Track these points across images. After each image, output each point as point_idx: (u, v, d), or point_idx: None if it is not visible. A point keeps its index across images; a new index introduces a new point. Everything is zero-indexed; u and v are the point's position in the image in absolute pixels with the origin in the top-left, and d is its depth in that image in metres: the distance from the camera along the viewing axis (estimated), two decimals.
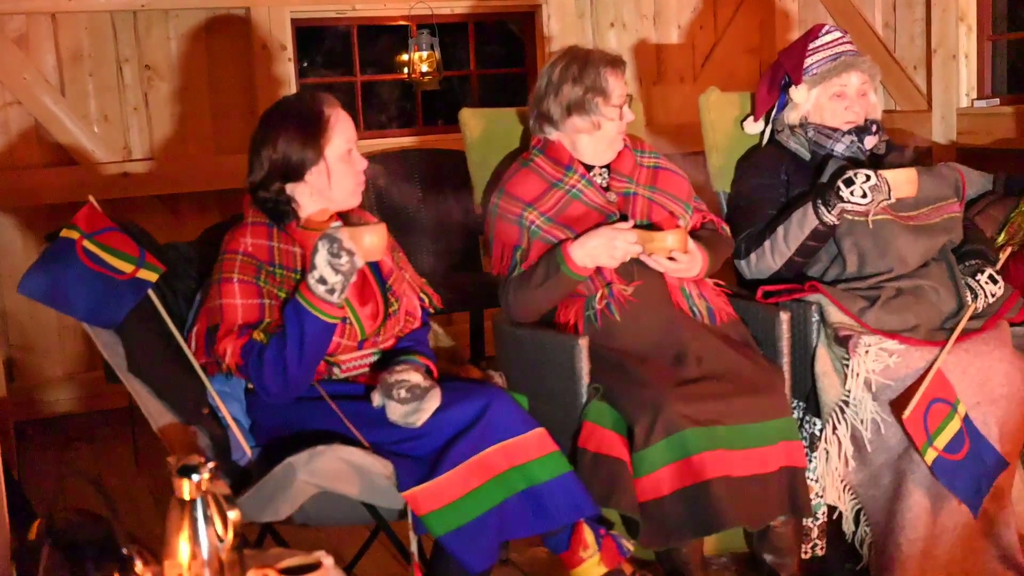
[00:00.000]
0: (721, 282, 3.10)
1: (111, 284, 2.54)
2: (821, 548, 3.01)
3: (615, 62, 3.02)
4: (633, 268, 2.91)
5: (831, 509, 3.01)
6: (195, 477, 1.66)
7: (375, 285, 2.72)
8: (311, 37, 6.32)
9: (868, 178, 2.96)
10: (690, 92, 5.53)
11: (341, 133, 2.62)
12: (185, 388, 2.56)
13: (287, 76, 5.11)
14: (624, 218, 2.94)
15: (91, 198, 2.63)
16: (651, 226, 2.96)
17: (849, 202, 2.97)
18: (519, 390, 2.80)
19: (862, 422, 2.90)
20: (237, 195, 2.79)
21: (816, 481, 2.96)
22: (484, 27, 6.07)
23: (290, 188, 2.62)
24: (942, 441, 2.80)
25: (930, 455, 2.79)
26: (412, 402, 2.44)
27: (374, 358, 2.69)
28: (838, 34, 3.32)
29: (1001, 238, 3.50)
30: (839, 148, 3.22)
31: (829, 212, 3.01)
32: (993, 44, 5.30)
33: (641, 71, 5.79)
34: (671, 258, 2.86)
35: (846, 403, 2.91)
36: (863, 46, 5.13)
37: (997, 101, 5.17)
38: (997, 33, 5.33)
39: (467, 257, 4.94)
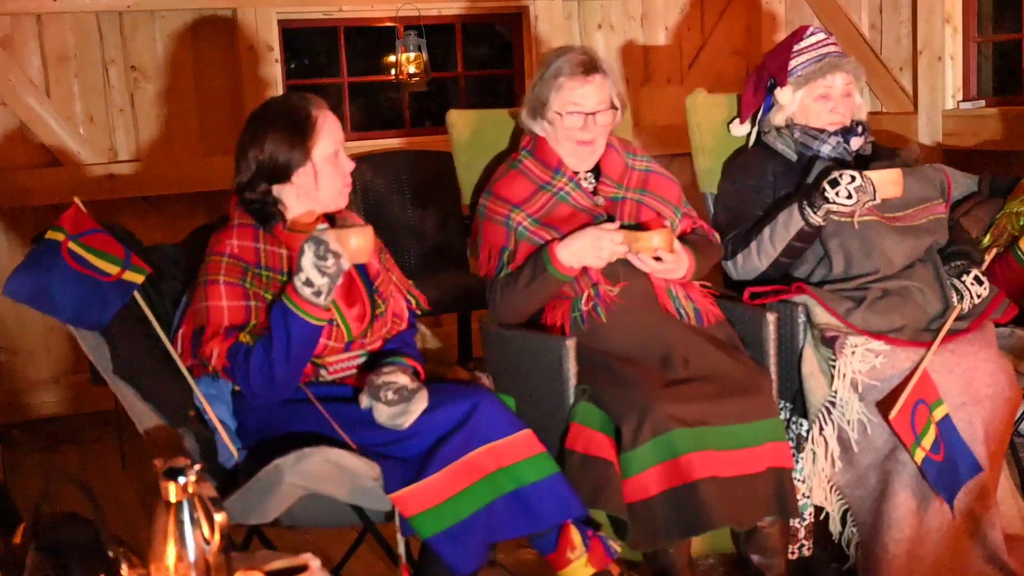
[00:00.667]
0: (708, 283, 3.10)
1: (96, 286, 2.53)
2: (808, 549, 3.02)
3: (587, 68, 2.97)
4: (619, 269, 2.91)
5: (818, 510, 3.02)
6: (181, 479, 1.66)
7: (362, 287, 2.72)
8: (298, 38, 6.31)
9: (853, 179, 2.97)
10: (677, 94, 5.54)
11: (328, 135, 2.62)
12: (171, 390, 2.55)
13: (274, 77, 5.10)
14: (611, 220, 2.94)
15: (76, 200, 2.62)
16: (638, 227, 2.96)
17: (835, 203, 2.98)
18: (506, 391, 2.80)
19: (848, 423, 2.90)
20: (223, 197, 2.78)
21: (803, 482, 2.97)
22: (472, 28, 6.07)
23: (276, 190, 2.61)
24: (928, 441, 2.82)
25: (919, 455, 2.81)
26: (399, 404, 2.44)
27: (361, 360, 2.69)
28: (823, 35, 3.33)
29: (986, 239, 3.52)
30: (825, 149, 3.23)
31: (815, 213, 3.02)
32: (978, 46, 5.32)
33: (628, 73, 5.80)
34: (657, 258, 2.86)
35: (832, 404, 2.92)
36: (849, 48, 5.16)
37: (983, 103, 5.19)
38: (982, 35, 5.35)
39: (455, 259, 4.94)
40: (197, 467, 1.68)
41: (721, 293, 3.15)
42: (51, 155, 4.83)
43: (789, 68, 3.29)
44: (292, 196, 2.63)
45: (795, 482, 2.90)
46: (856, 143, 3.26)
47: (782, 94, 3.29)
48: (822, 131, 3.25)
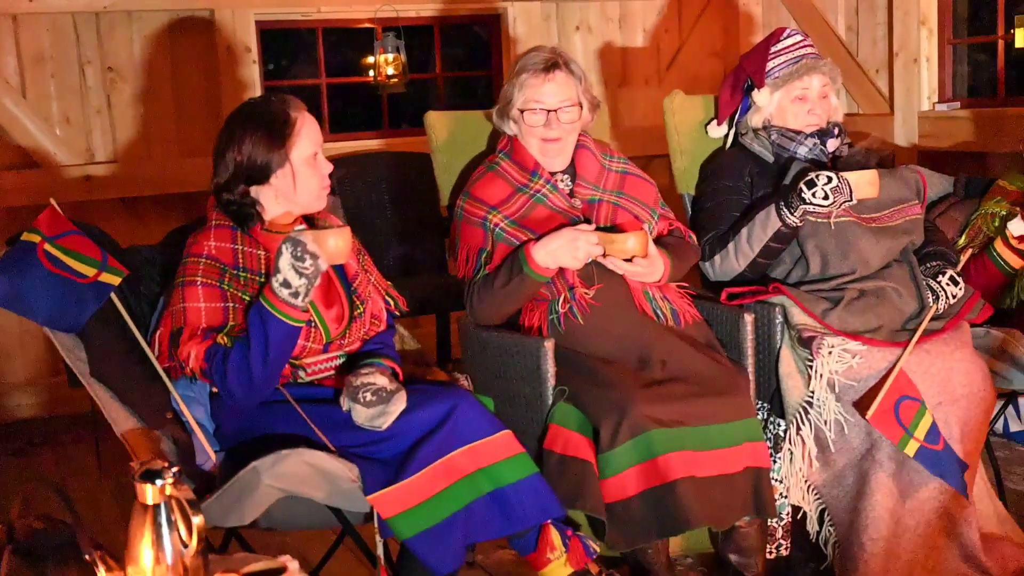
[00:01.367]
0: (685, 284, 3.11)
1: (73, 288, 2.52)
2: (786, 548, 3.03)
3: (548, 65, 2.99)
4: (593, 271, 2.91)
5: (795, 509, 3.03)
6: (158, 482, 1.65)
7: (340, 288, 2.71)
8: (276, 39, 6.29)
9: (830, 180, 2.99)
10: (655, 95, 5.55)
11: (307, 136, 2.61)
12: (148, 392, 2.54)
13: (252, 78, 5.08)
14: (588, 222, 2.95)
15: (52, 201, 2.61)
16: (615, 228, 2.97)
17: (811, 203, 2.99)
18: (485, 392, 2.81)
19: (825, 423, 2.92)
20: (201, 198, 2.77)
21: (780, 481, 2.98)
22: (450, 30, 6.07)
23: (254, 191, 2.61)
24: (922, 432, 2.82)
25: (912, 446, 2.81)
26: (378, 405, 2.44)
27: (339, 361, 2.68)
28: (799, 37, 3.35)
29: (962, 240, 3.54)
30: (802, 151, 3.25)
31: (792, 214, 3.03)
32: (954, 48, 5.35)
33: (606, 74, 5.81)
34: (631, 260, 2.87)
35: (810, 404, 2.94)
36: (826, 50, 5.18)
37: (958, 104, 5.23)
38: (958, 37, 5.38)
39: (433, 260, 4.94)
40: (174, 469, 1.67)
41: (698, 294, 3.16)
42: (27, 156, 4.80)
43: (766, 70, 3.31)
44: (270, 197, 2.62)
45: (772, 482, 2.91)
46: (832, 144, 3.29)
47: (759, 96, 3.31)
48: (799, 133, 3.26)
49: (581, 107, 3.03)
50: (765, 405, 3.06)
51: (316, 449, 2.40)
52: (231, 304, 2.51)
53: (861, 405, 2.86)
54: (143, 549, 1.65)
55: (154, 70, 4.97)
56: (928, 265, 3.17)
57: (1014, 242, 3.31)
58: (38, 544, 1.73)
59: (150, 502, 1.65)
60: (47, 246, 2.51)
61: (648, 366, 2.85)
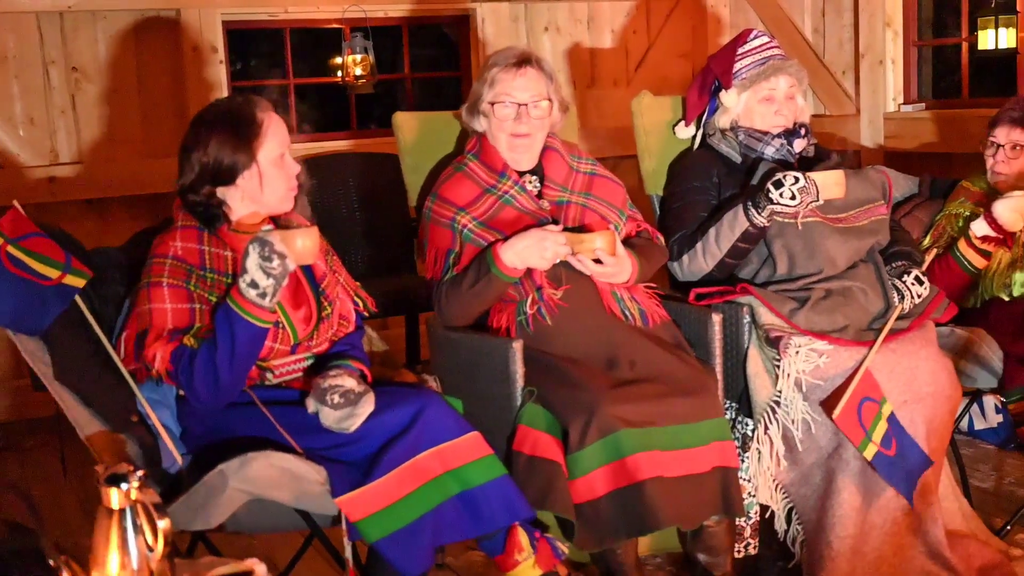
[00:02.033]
0: (653, 284, 3.12)
1: (36, 290, 2.49)
2: (754, 547, 3.05)
3: (519, 61, 3.01)
4: (561, 272, 2.92)
5: (763, 508, 3.04)
6: (124, 486, 1.64)
7: (308, 289, 2.70)
8: (243, 39, 6.26)
9: (797, 180, 3.00)
10: (624, 96, 5.57)
11: (274, 137, 2.60)
12: (113, 395, 2.52)
13: (219, 79, 5.06)
14: (556, 223, 2.95)
15: (16, 203, 2.58)
16: (582, 229, 2.97)
17: (778, 204, 3.01)
18: (454, 394, 2.81)
19: (793, 422, 2.93)
20: (167, 199, 2.76)
21: (748, 481, 2.99)
22: (418, 31, 6.06)
23: (221, 192, 2.59)
24: (878, 436, 2.85)
25: (870, 450, 2.84)
26: (346, 407, 2.43)
27: (308, 362, 2.67)
28: (766, 39, 3.37)
29: (927, 240, 3.57)
30: (769, 151, 3.27)
31: (759, 214, 3.04)
32: (919, 49, 5.40)
33: (575, 75, 5.82)
34: (597, 260, 2.87)
35: (777, 403, 2.95)
36: (793, 51, 5.22)
37: (923, 106, 5.28)
38: (923, 39, 5.43)
39: (402, 261, 4.93)
40: (140, 473, 1.66)
41: (667, 294, 3.17)
42: None
43: (734, 71, 3.33)
44: (237, 198, 2.61)
45: (741, 481, 2.92)
46: (799, 145, 3.30)
47: (727, 96, 3.33)
48: (766, 133, 3.28)
49: (552, 104, 3.03)
50: (733, 405, 3.08)
51: (283, 452, 2.39)
52: (197, 305, 2.49)
53: (828, 405, 2.88)
54: (109, 554, 1.64)
55: (119, 70, 4.94)
56: (894, 265, 3.19)
57: (977, 242, 3.34)
58: (2, 550, 1.71)
59: (115, 506, 1.64)
60: (10, 248, 2.49)
61: (616, 366, 2.85)
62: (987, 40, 4.87)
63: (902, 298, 3.11)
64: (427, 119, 3.41)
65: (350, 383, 2.48)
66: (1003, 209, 3.27)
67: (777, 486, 3.01)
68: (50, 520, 3.70)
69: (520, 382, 2.83)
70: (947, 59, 5.71)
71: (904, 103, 5.35)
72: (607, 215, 3.05)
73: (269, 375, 2.60)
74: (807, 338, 2.96)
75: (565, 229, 2.91)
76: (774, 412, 2.95)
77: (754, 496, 3.01)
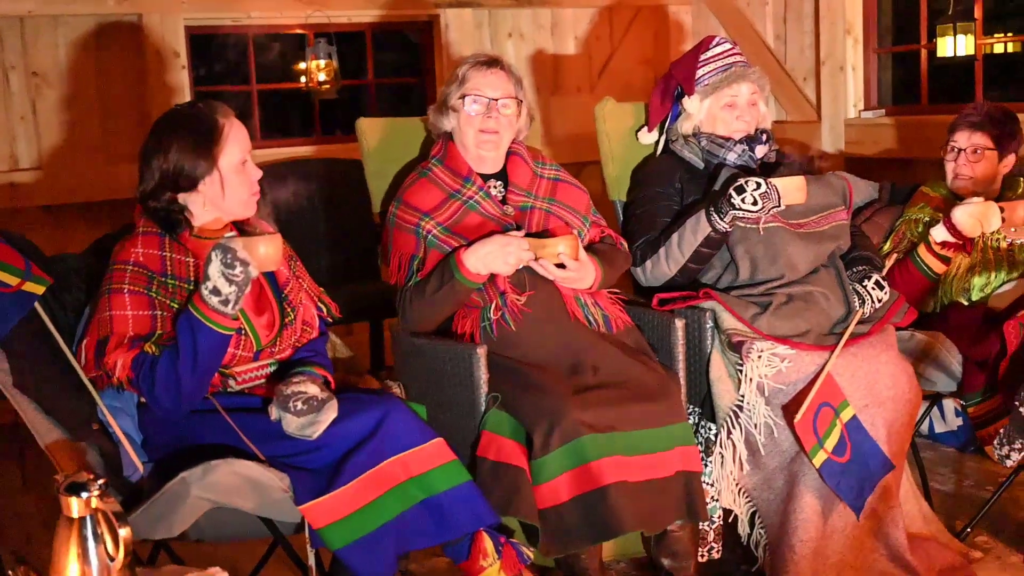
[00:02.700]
0: (616, 290, 3.13)
1: None
2: (717, 551, 3.06)
3: (489, 62, 3.06)
4: (525, 278, 2.92)
5: (726, 512, 3.06)
6: (84, 495, 1.63)
7: (271, 295, 2.69)
8: (206, 44, 6.23)
9: (759, 186, 3.02)
10: (587, 102, 5.57)
11: (235, 143, 2.59)
12: (74, 403, 2.50)
13: (181, 84, 5.03)
14: (520, 228, 2.96)
15: None
16: (546, 234, 2.98)
17: (740, 209, 3.03)
18: (418, 400, 2.80)
19: (755, 426, 2.95)
20: (128, 205, 2.74)
21: (712, 485, 3.01)
22: (383, 36, 6.06)
23: (182, 198, 2.58)
24: (831, 443, 2.87)
25: (820, 457, 2.86)
26: (309, 414, 2.42)
27: (271, 369, 2.66)
28: (728, 45, 3.39)
29: (887, 245, 3.60)
30: (731, 157, 3.29)
31: (721, 219, 3.06)
32: (879, 56, 5.46)
33: (538, 81, 5.84)
34: (560, 265, 2.88)
35: (740, 408, 2.96)
36: (755, 58, 5.26)
37: (883, 112, 5.33)
38: (882, 46, 5.49)
39: (366, 267, 4.92)
40: (101, 482, 1.65)
41: (630, 299, 3.18)
42: None
43: (696, 77, 3.35)
44: (198, 204, 2.59)
45: (704, 485, 2.94)
46: (761, 151, 3.33)
47: (690, 103, 3.35)
48: (728, 139, 3.30)
49: (519, 106, 3.05)
50: (696, 409, 3.09)
51: (246, 459, 2.38)
52: (159, 312, 2.47)
53: (790, 409, 2.90)
54: (69, 563, 1.63)
55: (80, 76, 4.90)
56: (854, 270, 3.22)
57: (937, 248, 3.38)
58: None
59: (76, 515, 1.63)
60: None
61: (580, 372, 2.86)
62: (946, 47, 4.93)
63: (863, 303, 3.13)
64: (391, 125, 3.40)
65: (313, 390, 2.47)
66: (962, 215, 3.30)
67: (740, 490, 3.02)
68: (9, 530, 3.67)
69: (484, 388, 2.83)
70: (907, 66, 5.78)
71: (864, 109, 5.40)
72: (571, 220, 3.06)
73: (232, 382, 2.59)
74: (769, 343, 2.98)
75: (528, 234, 2.92)
76: (737, 417, 2.97)
77: (717, 500, 3.02)
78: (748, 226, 3.10)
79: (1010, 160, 3.60)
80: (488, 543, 2.60)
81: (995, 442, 2.95)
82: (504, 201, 3.04)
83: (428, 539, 2.53)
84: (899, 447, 3.03)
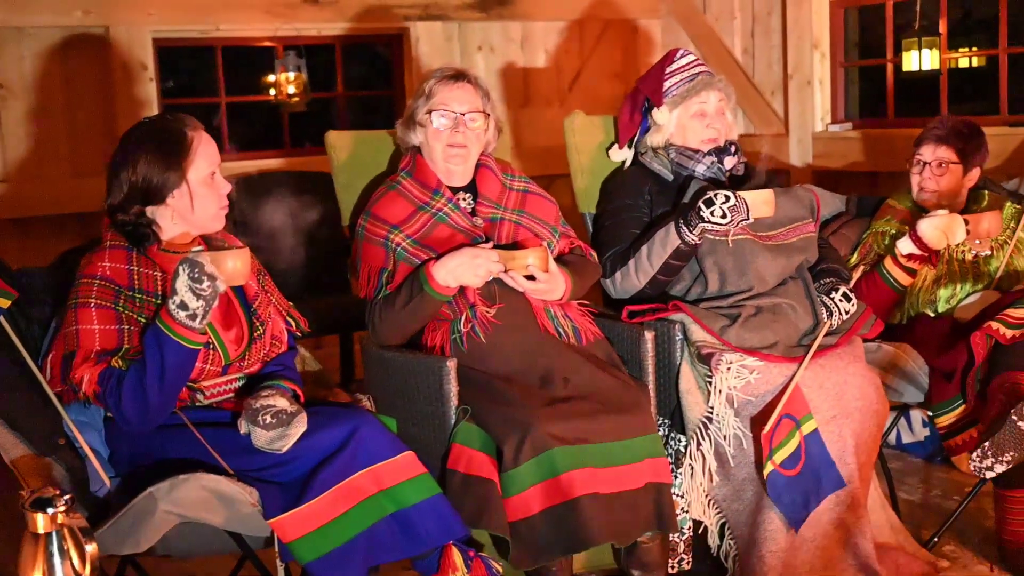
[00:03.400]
0: (586, 302, 3.14)
1: None
2: (687, 562, 3.07)
3: (456, 75, 3.06)
4: (495, 290, 2.93)
5: (696, 524, 3.07)
6: (50, 510, 1.62)
7: (240, 309, 2.68)
8: (174, 57, 6.20)
9: (728, 199, 3.04)
10: (557, 115, 5.57)
11: (204, 156, 2.58)
12: (39, 418, 2.47)
13: (149, 97, 5.00)
14: (489, 240, 2.96)
15: None
16: (516, 246, 2.98)
17: (709, 222, 3.04)
18: (388, 413, 2.79)
19: (725, 438, 2.96)
20: (95, 218, 2.72)
21: (682, 496, 3.01)
22: (352, 49, 6.05)
23: (150, 211, 2.56)
24: (780, 456, 2.89)
25: (767, 468, 2.88)
26: (278, 428, 2.41)
27: (239, 383, 2.65)
28: (692, 57, 3.42)
29: (854, 258, 3.63)
30: (700, 169, 3.31)
31: (691, 232, 3.08)
32: (846, 71, 5.51)
33: (508, 94, 5.85)
34: (530, 277, 2.89)
35: (709, 419, 2.98)
36: (723, 71, 5.28)
37: (850, 125, 5.38)
38: (849, 60, 5.54)
39: (336, 280, 4.91)
40: (67, 497, 1.64)
41: (600, 311, 3.19)
42: None
43: (664, 89, 3.36)
44: (167, 218, 2.58)
45: (674, 497, 2.94)
46: (730, 163, 3.35)
47: (659, 114, 3.36)
48: (696, 151, 3.32)
49: (487, 120, 3.06)
50: (666, 421, 3.10)
51: (215, 473, 2.37)
52: (126, 326, 2.46)
53: (758, 421, 2.92)
54: None
55: (46, 88, 4.86)
56: (822, 282, 3.24)
57: (903, 260, 3.40)
58: None
59: (41, 531, 1.61)
60: None
61: (550, 384, 2.86)
62: (911, 61, 4.98)
63: (830, 314, 3.15)
64: (360, 138, 3.40)
65: (282, 403, 2.46)
66: (927, 227, 3.33)
67: (710, 501, 3.03)
68: None
69: (454, 401, 2.82)
70: (873, 80, 5.83)
71: (832, 123, 5.44)
72: (540, 232, 3.07)
73: (200, 396, 2.57)
74: (738, 355, 2.99)
75: (497, 246, 2.93)
76: (706, 428, 2.98)
77: (687, 512, 3.03)
78: (717, 238, 3.12)
79: (975, 174, 3.63)
80: (457, 557, 2.59)
81: (974, 455, 2.95)
82: (473, 213, 3.05)
83: (398, 552, 2.52)
84: (867, 458, 3.05)
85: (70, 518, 1.63)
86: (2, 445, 2.45)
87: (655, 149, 3.40)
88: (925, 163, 3.61)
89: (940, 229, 3.32)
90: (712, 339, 3.03)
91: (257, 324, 2.68)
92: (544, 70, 5.96)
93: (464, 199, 3.07)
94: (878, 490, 3.24)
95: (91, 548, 1.63)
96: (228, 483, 2.35)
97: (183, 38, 5.25)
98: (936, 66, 4.96)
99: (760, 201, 3.08)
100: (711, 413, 2.97)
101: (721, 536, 3.06)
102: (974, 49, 6.72)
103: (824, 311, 3.16)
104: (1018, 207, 3.63)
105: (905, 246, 3.39)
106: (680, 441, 3.05)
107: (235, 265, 2.44)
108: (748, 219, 3.06)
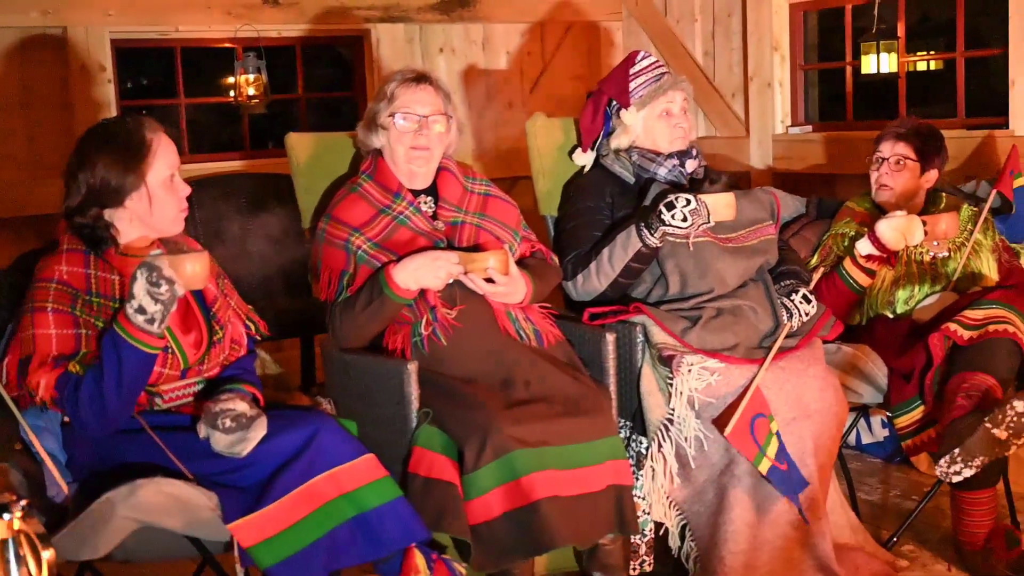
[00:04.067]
0: (548, 304, 3.14)
1: None
2: (649, 564, 3.08)
3: (417, 78, 3.05)
4: (456, 292, 2.92)
5: (658, 525, 3.08)
6: (5, 516, 1.59)
7: (199, 313, 2.66)
8: (133, 58, 6.16)
9: (688, 202, 3.05)
10: (519, 117, 5.60)
11: (163, 158, 2.56)
12: None
13: (107, 98, 4.95)
14: (451, 244, 2.96)
15: None
16: (477, 249, 2.98)
17: (670, 225, 3.05)
18: (349, 416, 2.78)
19: (686, 439, 2.98)
20: (53, 221, 2.69)
21: (643, 498, 3.03)
22: (313, 51, 6.03)
23: (108, 214, 2.54)
24: (772, 451, 2.91)
25: (764, 465, 2.90)
26: (237, 431, 2.40)
27: (198, 387, 2.63)
28: (654, 58, 3.44)
29: (814, 259, 3.65)
30: (662, 172, 3.32)
31: (652, 235, 3.09)
32: (805, 73, 5.55)
33: (470, 96, 5.84)
34: (489, 279, 2.89)
35: (670, 421, 2.99)
36: (684, 73, 5.28)
37: (810, 128, 5.41)
38: (808, 63, 5.58)
39: (296, 283, 4.88)
40: (23, 503, 1.62)
41: (561, 314, 3.20)
42: None
43: (630, 90, 3.37)
44: (125, 221, 2.56)
45: (635, 499, 2.95)
46: (691, 166, 3.36)
47: (627, 115, 3.36)
48: (659, 154, 3.33)
49: (449, 122, 3.06)
50: (627, 423, 3.11)
51: (174, 478, 2.35)
52: (83, 331, 2.43)
53: (719, 422, 2.93)
54: None
55: (3, 89, 4.80)
56: (782, 284, 3.26)
57: (862, 261, 3.43)
58: None
59: None
60: None
61: (511, 387, 2.86)
62: (870, 64, 5.03)
63: (791, 316, 3.18)
64: (321, 140, 3.39)
65: (242, 407, 2.44)
66: (885, 228, 3.36)
67: (671, 503, 3.04)
68: None
69: (415, 404, 2.82)
70: (832, 83, 5.88)
71: (792, 125, 5.48)
72: (501, 235, 3.07)
73: (159, 400, 2.55)
74: (699, 356, 3.01)
75: (456, 249, 2.92)
76: (667, 430, 2.99)
77: (648, 513, 3.04)
78: (678, 241, 3.13)
79: (932, 175, 3.67)
80: (419, 559, 2.59)
81: (942, 460, 2.97)
82: (435, 217, 3.04)
83: (359, 556, 2.51)
84: (826, 459, 3.07)
85: (27, 524, 1.61)
86: None
87: (617, 152, 3.40)
88: (883, 159, 3.64)
89: (898, 230, 3.35)
90: (673, 341, 3.05)
91: (216, 328, 2.67)
92: (506, 72, 5.97)
93: (425, 202, 3.06)
94: (838, 491, 3.26)
95: (48, 554, 1.61)
96: (187, 487, 2.33)
97: (142, 39, 5.20)
98: (894, 69, 5.01)
99: (721, 204, 3.10)
100: (672, 415, 2.98)
101: (682, 538, 3.08)
102: (932, 53, 6.80)
103: (784, 313, 3.18)
104: (975, 209, 3.67)
105: (864, 247, 3.41)
106: (641, 443, 3.06)
107: (194, 269, 2.42)
108: (709, 222, 3.08)
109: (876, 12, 4.97)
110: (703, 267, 3.17)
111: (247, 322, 2.80)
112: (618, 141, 3.41)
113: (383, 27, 5.56)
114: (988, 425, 2.91)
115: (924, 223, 3.38)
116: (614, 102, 3.41)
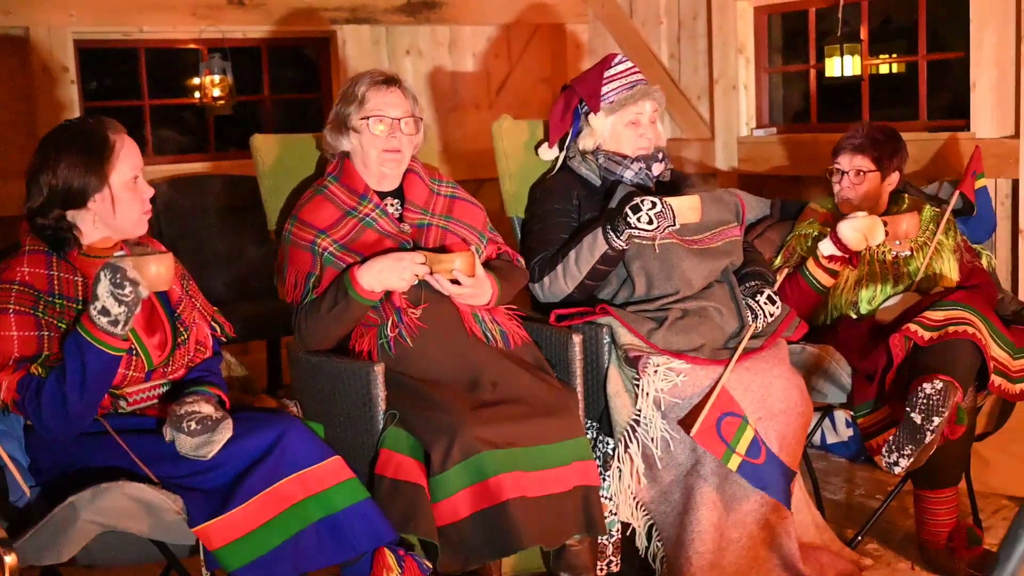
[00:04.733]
0: (514, 306, 3.15)
1: None
2: (616, 564, 3.09)
3: (387, 80, 3.05)
4: (421, 293, 2.92)
5: (625, 526, 3.09)
6: None
7: (163, 314, 2.64)
8: (97, 59, 6.10)
9: (654, 205, 3.06)
10: (485, 119, 5.61)
11: (126, 160, 2.54)
12: None
13: (70, 99, 4.91)
14: (417, 246, 2.96)
15: None
16: (443, 250, 2.98)
17: (636, 228, 3.06)
18: (315, 418, 2.78)
19: (652, 440, 2.99)
20: (14, 223, 2.67)
21: (610, 499, 3.03)
22: (279, 52, 6.00)
23: (71, 215, 2.52)
24: (743, 446, 2.92)
25: (734, 461, 2.91)
26: (203, 434, 2.38)
27: (163, 389, 2.61)
28: (630, 64, 3.44)
29: (778, 260, 3.68)
30: (628, 175, 3.32)
31: (618, 237, 3.10)
32: (769, 76, 5.58)
33: (436, 98, 5.84)
34: (456, 281, 2.89)
35: (637, 422, 3.00)
36: (650, 76, 5.34)
37: (774, 130, 5.45)
38: (773, 66, 5.61)
39: (263, 285, 4.86)
40: None
41: (528, 315, 3.20)
42: None
43: (602, 94, 3.37)
44: (88, 222, 2.54)
45: (602, 499, 2.96)
46: (657, 169, 3.37)
47: (596, 119, 3.36)
48: (625, 157, 3.34)
49: (418, 124, 3.05)
50: (594, 424, 3.12)
51: (138, 481, 2.33)
52: (46, 333, 2.41)
53: (686, 423, 2.95)
54: None
55: None
56: (747, 285, 3.28)
57: (824, 261, 3.46)
58: None
59: None
60: None
61: (478, 388, 2.86)
62: (834, 67, 5.06)
63: (755, 317, 3.19)
64: (286, 141, 3.37)
65: (207, 409, 2.43)
66: (847, 229, 3.38)
67: (638, 504, 3.05)
68: None
69: (382, 405, 2.81)
70: (797, 86, 5.92)
71: (756, 127, 5.51)
72: (468, 237, 3.07)
73: (123, 403, 2.53)
74: (665, 357, 3.02)
75: (421, 250, 2.92)
76: (634, 431, 3.00)
77: (615, 514, 3.05)
78: (644, 243, 3.14)
79: (894, 177, 3.69)
80: (390, 557, 2.59)
81: (883, 450, 3.01)
82: (401, 219, 3.04)
83: (326, 558, 2.50)
84: (790, 459, 3.09)
85: None
86: None
87: (584, 154, 3.41)
88: (843, 172, 3.66)
89: (859, 231, 3.37)
90: (639, 342, 3.06)
91: (181, 329, 2.65)
92: (472, 74, 5.97)
93: (392, 204, 3.06)
94: (803, 490, 3.29)
95: (10, 559, 1.60)
96: (152, 491, 2.32)
97: (105, 40, 5.16)
98: (858, 72, 5.04)
99: (686, 207, 3.11)
100: (638, 416, 2.99)
101: (649, 538, 3.09)
102: (894, 56, 6.85)
103: (749, 314, 3.20)
104: (937, 210, 3.71)
105: (826, 247, 3.44)
106: (608, 444, 3.07)
107: (158, 270, 2.41)
108: (675, 225, 3.09)
109: (840, 15, 5.01)
110: (669, 269, 3.18)
111: (213, 324, 2.79)
112: (584, 143, 3.41)
113: (349, 28, 5.54)
114: (907, 409, 2.95)
115: (885, 223, 3.41)
116: (584, 103, 3.42)
